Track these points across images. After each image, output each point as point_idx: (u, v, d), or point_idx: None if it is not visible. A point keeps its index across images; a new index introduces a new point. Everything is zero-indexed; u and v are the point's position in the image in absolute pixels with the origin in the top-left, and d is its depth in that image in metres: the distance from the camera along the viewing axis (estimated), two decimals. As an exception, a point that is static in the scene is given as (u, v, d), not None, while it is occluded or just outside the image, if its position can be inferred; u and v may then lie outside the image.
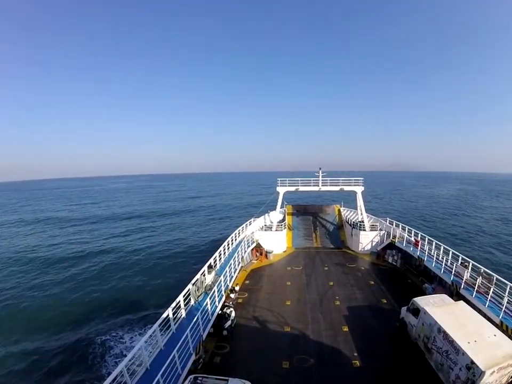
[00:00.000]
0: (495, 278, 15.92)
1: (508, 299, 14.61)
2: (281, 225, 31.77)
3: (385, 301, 19.85)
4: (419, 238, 25.02)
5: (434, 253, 22.76)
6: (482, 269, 17.15)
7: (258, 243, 29.39)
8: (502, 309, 14.36)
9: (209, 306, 15.57)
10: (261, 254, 29.47)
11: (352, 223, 32.58)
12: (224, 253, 24.05)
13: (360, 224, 30.58)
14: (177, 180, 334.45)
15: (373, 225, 31.09)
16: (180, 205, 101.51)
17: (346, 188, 32.13)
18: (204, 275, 18.41)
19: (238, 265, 23.68)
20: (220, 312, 16.54)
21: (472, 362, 10.33)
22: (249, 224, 31.92)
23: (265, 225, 32.19)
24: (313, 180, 32.14)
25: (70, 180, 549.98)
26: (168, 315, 13.48)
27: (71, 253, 45.61)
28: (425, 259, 22.27)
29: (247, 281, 23.73)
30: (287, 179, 32.32)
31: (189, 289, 16.30)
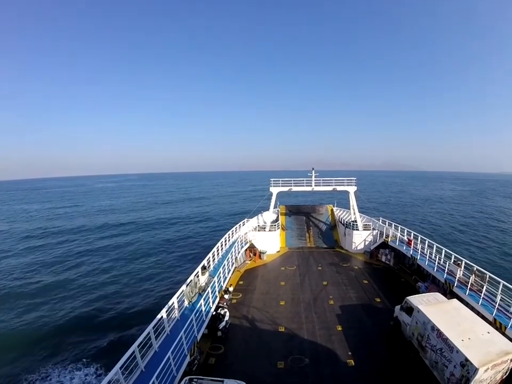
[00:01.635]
0: (488, 276, 16.13)
1: (501, 296, 14.80)
2: (275, 225, 31.74)
3: (379, 300, 19.95)
4: (412, 237, 25.26)
5: (427, 251, 23.01)
6: (475, 267, 17.34)
7: (252, 243, 29.28)
8: (495, 306, 14.53)
9: (203, 308, 15.43)
10: (254, 254, 29.38)
11: (345, 222, 32.73)
12: (218, 254, 23.87)
13: (353, 224, 30.74)
14: (167, 179, 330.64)
15: (366, 224, 31.31)
16: (170, 206, 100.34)
17: (339, 188, 32.29)
18: (198, 276, 18.19)
19: (232, 266, 23.53)
20: (214, 313, 16.39)
21: (466, 360, 10.43)
22: (243, 225, 31.77)
23: (258, 225, 32.13)
24: (306, 180, 32.22)
25: (54, 179, 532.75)
26: (162, 317, 13.29)
27: (54, 256, 44.67)
28: (419, 258, 22.47)
29: (241, 282, 23.59)
30: (280, 179, 32.32)
31: (182, 291, 16.14)
